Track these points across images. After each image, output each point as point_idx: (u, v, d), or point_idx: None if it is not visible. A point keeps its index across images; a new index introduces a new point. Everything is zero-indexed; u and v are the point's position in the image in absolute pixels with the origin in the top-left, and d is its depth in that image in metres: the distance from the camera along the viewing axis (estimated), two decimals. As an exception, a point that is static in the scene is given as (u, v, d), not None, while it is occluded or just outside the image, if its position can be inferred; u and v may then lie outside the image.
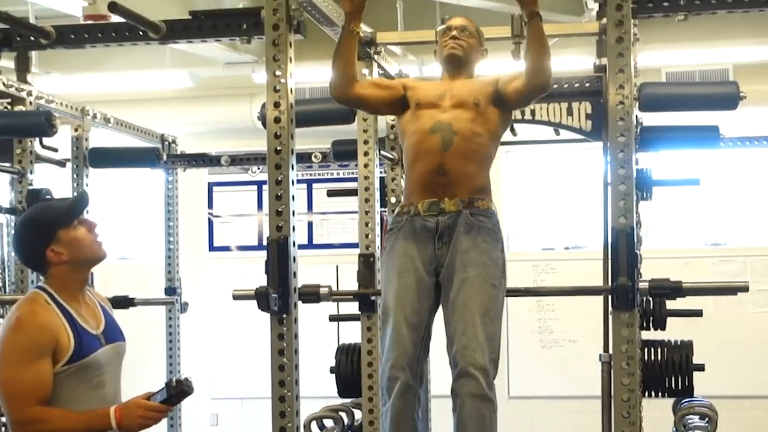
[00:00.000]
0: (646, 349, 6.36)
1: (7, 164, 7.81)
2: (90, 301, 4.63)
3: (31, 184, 7.83)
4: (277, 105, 5.22)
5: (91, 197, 4.76)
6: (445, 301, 5.27)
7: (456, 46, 5.53)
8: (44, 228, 4.52)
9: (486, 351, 5.04)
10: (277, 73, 5.22)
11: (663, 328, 6.50)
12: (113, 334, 4.65)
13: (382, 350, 5.34)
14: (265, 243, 5.25)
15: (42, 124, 7.34)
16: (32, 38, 6.94)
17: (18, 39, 7.04)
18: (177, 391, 4.46)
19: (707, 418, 6.89)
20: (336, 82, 5.50)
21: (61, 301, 4.46)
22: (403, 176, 5.94)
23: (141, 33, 6.54)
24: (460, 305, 5.14)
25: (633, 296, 5.20)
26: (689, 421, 6.87)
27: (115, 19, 6.48)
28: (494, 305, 5.17)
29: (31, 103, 7.73)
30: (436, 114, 5.36)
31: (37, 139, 7.90)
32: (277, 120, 5.22)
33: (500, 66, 5.65)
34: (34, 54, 7.87)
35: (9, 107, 7.76)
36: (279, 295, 5.19)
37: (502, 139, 5.77)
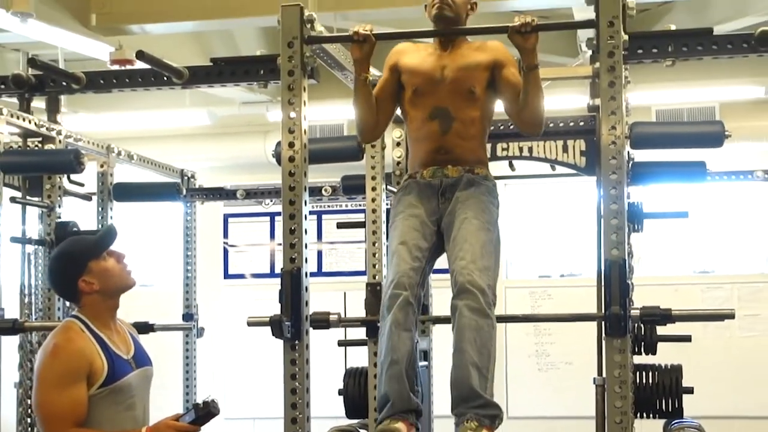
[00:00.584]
0: (637, 373, 6.37)
1: (37, 199, 7.90)
2: (120, 329, 4.70)
3: (59, 217, 7.92)
4: (291, 145, 5.30)
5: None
6: (447, 241, 5.28)
7: (443, 6, 5.44)
8: (76, 260, 4.59)
9: (484, 275, 5.06)
10: (292, 115, 5.30)
11: (654, 353, 6.51)
12: (142, 358, 4.72)
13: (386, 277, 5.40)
14: (277, 271, 5.30)
15: (71, 161, 7.44)
16: (64, 83, 7.01)
17: (51, 84, 7.12)
18: (204, 412, 4.52)
19: (696, 439, 6.93)
20: (363, 129, 5.54)
21: (94, 329, 4.53)
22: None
23: (165, 78, 6.60)
24: (460, 239, 5.15)
25: (625, 324, 5.21)
26: (680, 442, 6.90)
27: (140, 64, 6.53)
28: (490, 243, 5.19)
29: (60, 141, 7.83)
30: (434, 101, 5.36)
31: (66, 175, 7.97)
32: (291, 159, 5.30)
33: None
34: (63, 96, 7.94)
35: (40, 145, 7.87)
36: (292, 323, 5.25)
37: (501, 174, 5.82)
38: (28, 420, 7.77)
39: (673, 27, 6.39)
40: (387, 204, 7.09)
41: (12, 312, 7.64)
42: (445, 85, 5.39)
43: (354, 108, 5.54)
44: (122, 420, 4.51)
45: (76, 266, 4.58)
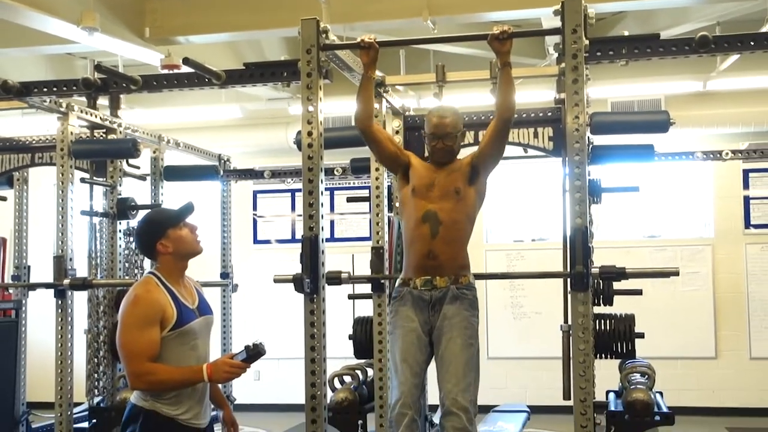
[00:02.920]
0: (597, 321, 6.39)
1: (102, 179, 8.02)
2: (188, 284, 4.76)
3: (120, 194, 8.05)
4: (310, 134, 5.35)
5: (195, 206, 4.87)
6: (436, 355, 5.40)
7: (443, 154, 5.58)
8: (157, 226, 4.68)
9: (466, 395, 5.18)
10: (310, 109, 5.35)
11: (611, 304, 6.52)
12: (204, 308, 4.78)
13: (391, 388, 5.48)
14: (297, 237, 5.33)
15: (130, 148, 7.59)
16: (124, 85, 7.05)
17: (114, 85, 7.16)
18: (254, 352, 4.54)
19: (647, 375, 6.93)
20: (359, 116, 5.52)
21: (167, 283, 4.60)
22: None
23: (206, 80, 6.64)
24: (446, 360, 5.29)
25: (587, 280, 5.22)
26: (632, 378, 6.91)
27: (185, 68, 6.57)
28: (472, 359, 5.31)
29: (120, 132, 8.01)
30: (426, 204, 5.43)
31: (125, 160, 8.07)
32: (309, 145, 5.35)
33: (482, 98, 5.61)
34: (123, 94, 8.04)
35: (104, 136, 8.02)
36: (311, 280, 5.28)
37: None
38: (95, 360, 7.81)
39: (626, 33, 6.41)
40: (388, 182, 7.11)
41: (82, 272, 7.69)
42: (436, 189, 5.47)
43: (357, 97, 5.54)
44: (187, 358, 4.56)
45: (157, 231, 4.67)
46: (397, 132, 7.10)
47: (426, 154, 5.93)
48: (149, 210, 5.22)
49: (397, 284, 5.60)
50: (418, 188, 5.49)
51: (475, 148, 5.74)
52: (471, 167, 5.55)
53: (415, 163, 5.67)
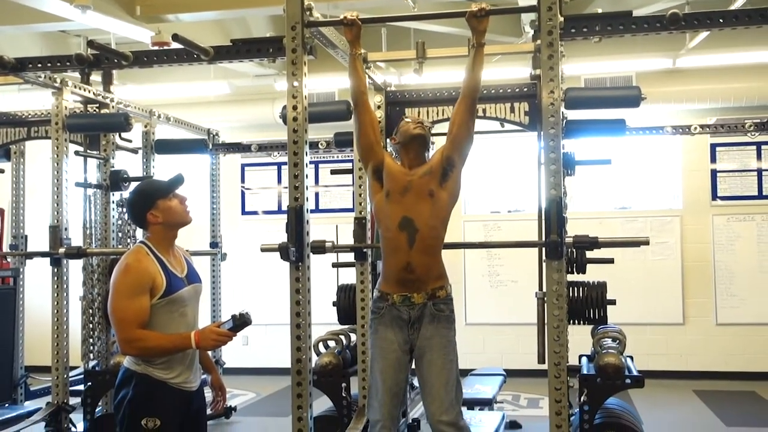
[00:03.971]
0: (571, 288, 6.39)
1: (96, 152, 8.05)
2: (177, 253, 4.76)
3: (113, 167, 8.08)
4: (295, 108, 5.34)
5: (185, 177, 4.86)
6: (418, 374, 5.35)
7: (420, 128, 5.50)
8: (147, 197, 4.69)
9: (451, 409, 5.13)
10: (295, 84, 5.33)
11: (584, 272, 6.51)
12: (193, 277, 4.78)
13: (370, 399, 5.38)
14: (283, 208, 5.31)
15: (122, 122, 7.67)
16: (116, 60, 7.02)
17: (106, 61, 7.13)
18: (240, 321, 4.54)
19: (618, 341, 6.96)
20: (353, 89, 5.51)
21: (157, 252, 4.60)
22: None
23: (195, 56, 6.61)
24: (428, 382, 5.22)
25: (561, 249, 5.23)
26: (604, 343, 6.93)
27: (175, 45, 6.55)
28: (452, 375, 5.23)
29: (113, 107, 8.06)
30: (402, 211, 5.31)
31: (117, 134, 8.08)
32: (295, 119, 5.34)
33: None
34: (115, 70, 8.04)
35: (97, 110, 8.02)
36: (296, 249, 5.27)
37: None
38: (90, 326, 7.82)
39: (599, 11, 6.36)
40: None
41: (77, 241, 7.69)
42: (410, 193, 5.34)
43: (349, 76, 5.54)
44: (177, 325, 4.57)
45: (147, 202, 4.68)
46: (379, 107, 7.07)
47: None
48: (140, 182, 5.19)
49: (375, 296, 5.50)
50: (393, 193, 5.38)
51: (493, 125, 5.69)
52: (443, 163, 5.43)
53: (389, 163, 5.54)
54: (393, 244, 5.31)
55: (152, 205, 4.68)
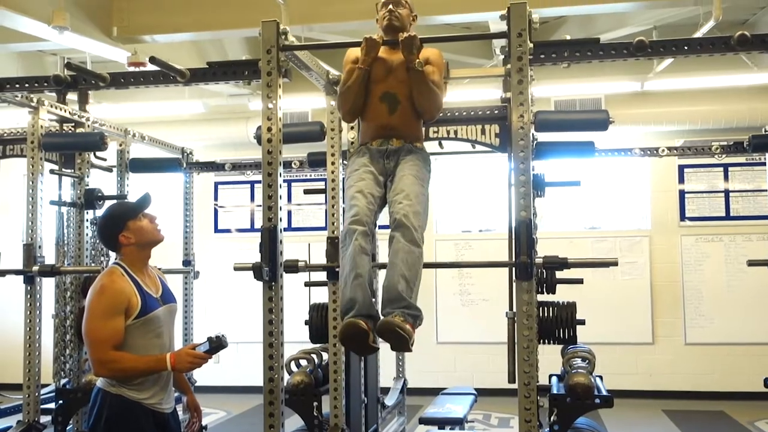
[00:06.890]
0: (541, 308, 6.42)
1: (70, 170, 8.04)
2: (151, 273, 4.80)
3: (88, 185, 8.09)
4: (269, 129, 5.36)
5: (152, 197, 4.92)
6: (390, 192, 5.24)
7: (393, 18, 5.48)
8: (117, 219, 4.76)
9: (416, 218, 5.02)
10: (270, 106, 5.36)
11: (554, 293, 6.54)
12: (168, 297, 4.82)
13: (346, 218, 5.18)
14: (256, 226, 5.33)
15: (97, 141, 7.64)
16: (93, 82, 7.06)
17: (83, 82, 7.18)
18: (216, 344, 4.58)
19: (587, 360, 6.98)
20: (353, 112, 5.47)
21: (132, 273, 4.64)
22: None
23: (171, 77, 6.66)
24: (399, 189, 5.13)
25: (531, 269, 5.25)
26: (574, 362, 6.95)
27: (151, 66, 6.60)
28: (422, 195, 5.17)
29: (88, 126, 8.06)
30: (385, 87, 5.34)
31: (92, 152, 8.10)
32: (269, 140, 5.36)
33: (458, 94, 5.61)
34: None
35: (73, 129, 8.02)
36: (269, 269, 5.29)
37: (432, 151, 5.85)
38: (62, 343, 7.81)
39: (568, 37, 6.43)
40: (343, 175, 7.12)
41: (50, 259, 7.69)
42: (393, 77, 5.36)
43: (349, 92, 5.41)
44: (152, 345, 4.60)
45: (117, 224, 4.74)
46: (352, 128, 7.10)
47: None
48: (109, 206, 5.22)
49: (354, 149, 5.57)
50: (375, 77, 5.39)
51: (464, 146, 5.68)
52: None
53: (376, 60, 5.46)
54: (372, 113, 5.39)
55: (123, 227, 4.74)
